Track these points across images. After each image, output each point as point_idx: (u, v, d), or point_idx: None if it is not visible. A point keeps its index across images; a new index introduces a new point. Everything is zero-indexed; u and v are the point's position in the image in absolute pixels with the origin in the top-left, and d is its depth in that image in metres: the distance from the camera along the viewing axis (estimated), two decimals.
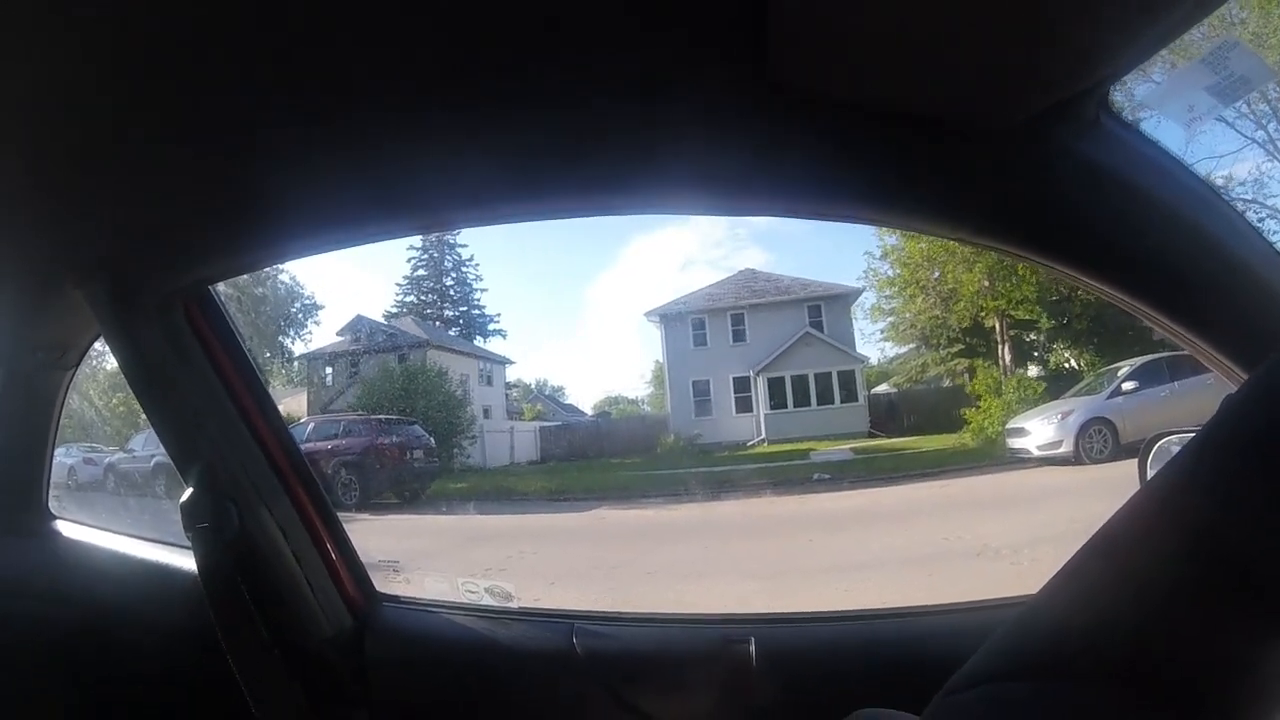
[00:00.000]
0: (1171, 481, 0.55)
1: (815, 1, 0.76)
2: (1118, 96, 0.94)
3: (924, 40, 0.80)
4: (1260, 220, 13.47)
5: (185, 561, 1.72)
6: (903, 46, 0.82)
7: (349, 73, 0.95)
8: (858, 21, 0.79)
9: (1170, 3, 0.73)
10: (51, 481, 2.06)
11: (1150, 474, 1.22)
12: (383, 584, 1.82)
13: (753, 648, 1.44)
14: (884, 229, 14.66)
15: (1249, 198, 13.76)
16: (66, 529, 2.05)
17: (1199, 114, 0.93)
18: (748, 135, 1.03)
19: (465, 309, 30.46)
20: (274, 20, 0.85)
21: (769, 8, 0.77)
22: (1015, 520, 7.50)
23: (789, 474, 13.60)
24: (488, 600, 1.83)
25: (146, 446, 12.41)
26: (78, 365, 1.87)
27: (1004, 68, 0.83)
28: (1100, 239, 0.99)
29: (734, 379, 19.79)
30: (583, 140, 1.09)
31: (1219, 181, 13.20)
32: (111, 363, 1.54)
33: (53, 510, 2.07)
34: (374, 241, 1.46)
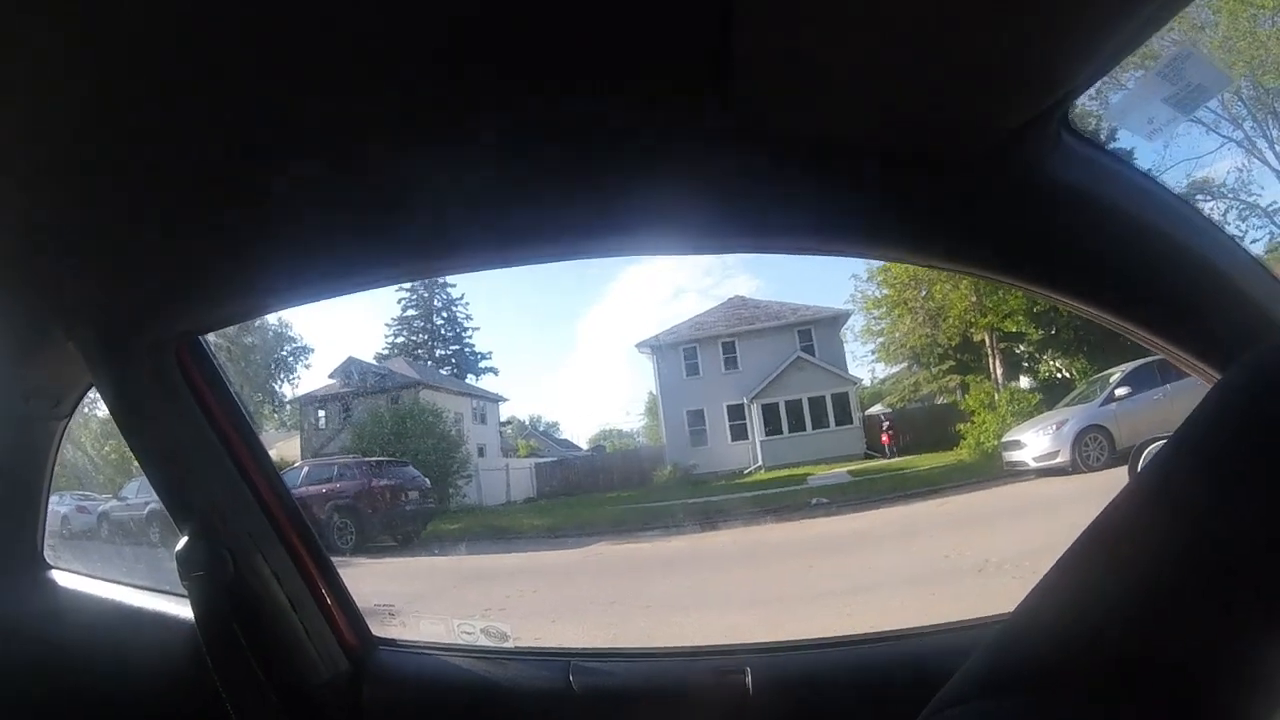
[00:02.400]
0: (1162, 479, 0.55)
1: (774, 40, 0.78)
2: (1084, 109, 0.96)
3: (880, 75, 0.82)
4: (1243, 216, 13.70)
5: (182, 609, 1.71)
6: (859, 78, 0.84)
7: (337, 125, 0.96)
8: (815, 58, 0.80)
9: (1125, 16, 0.74)
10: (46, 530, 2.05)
11: None
12: (379, 628, 1.81)
13: (749, 678, 1.44)
14: None
15: (1230, 196, 13.99)
16: (62, 578, 2.03)
17: (1159, 125, 0.96)
18: (715, 175, 1.04)
19: (457, 347, 30.47)
20: (263, 73, 0.86)
21: (731, 46, 0.79)
22: (1015, 533, 7.48)
23: (786, 500, 13.54)
24: (483, 641, 1.82)
25: (139, 494, 12.32)
26: (71, 414, 1.87)
27: (963, 96, 0.85)
28: (1068, 256, 1.01)
29: (728, 407, 19.74)
30: (563, 184, 1.10)
31: (1199, 181, 13.44)
32: (103, 410, 1.54)
33: (48, 559, 2.05)
34: (363, 289, 1.48)
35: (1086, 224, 0.97)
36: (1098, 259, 0.99)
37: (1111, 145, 0.97)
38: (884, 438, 17.53)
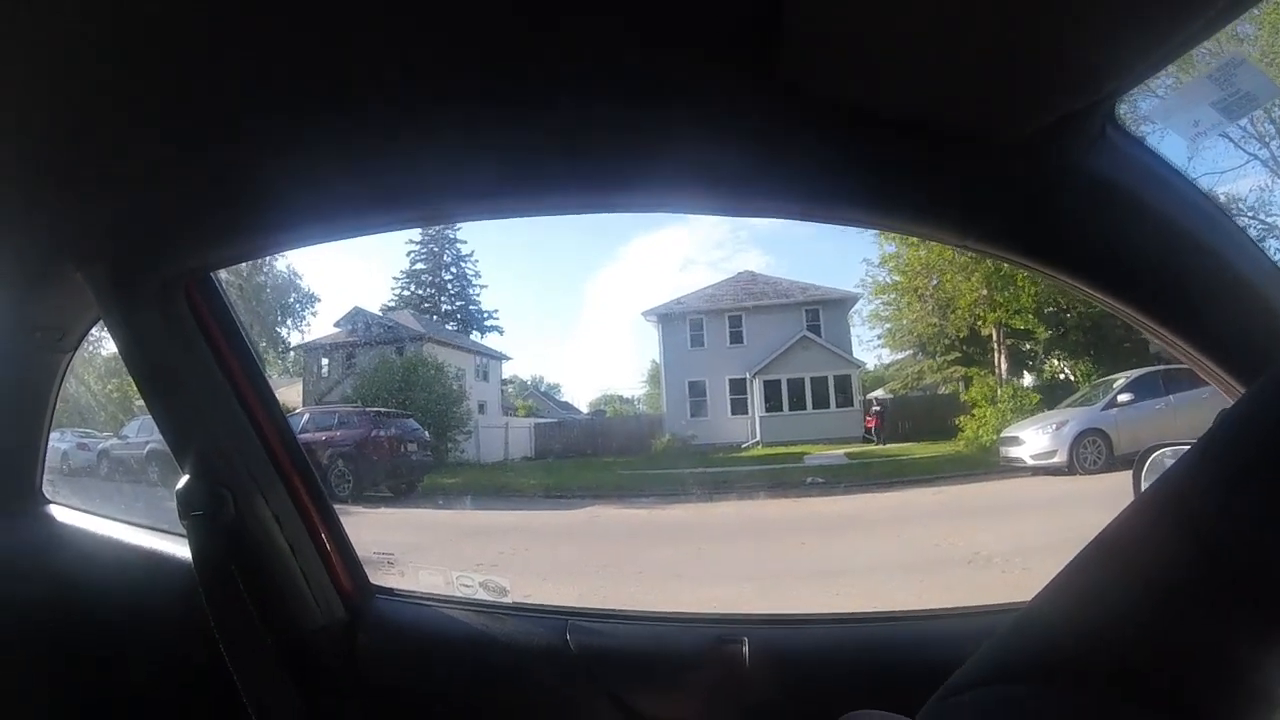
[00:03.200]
0: (1174, 483, 0.55)
1: (828, 6, 0.77)
2: (1124, 110, 0.95)
3: (933, 50, 0.81)
4: (1261, 238, 13.54)
5: (179, 549, 1.72)
6: (912, 55, 0.82)
7: (351, 64, 0.95)
8: (869, 28, 0.79)
9: (1177, 22, 0.73)
10: (46, 465, 2.06)
11: (1145, 485, 1.23)
12: (376, 576, 1.82)
13: (746, 648, 1.45)
14: (884, 236, 14.74)
15: (1250, 215, 13.83)
16: (60, 513, 2.05)
17: (1204, 129, 0.94)
18: (754, 135, 1.03)
19: (463, 304, 30.46)
20: (277, 8, 0.85)
21: (783, 10, 0.77)
22: (1007, 528, 7.50)
23: (783, 477, 13.60)
24: (482, 594, 1.83)
25: (140, 433, 12.42)
26: (76, 349, 1.88)
27: (1012, 81, 0.83)
28: (1104, 251, 1.00)
29: (730, 381, 19.77)
30: (587, 136, 1.09)
31: (1221, 197, 13.27)
32: (107, 348, 1.54)
33: (46, 494, 2.07)
34: (375, 233, 1.46)
35: (1124, 220, 0.96)
36: (1130, 256, 0.99)
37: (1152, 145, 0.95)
38: (868, 420, 17.49)
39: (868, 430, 17.54)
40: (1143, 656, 0.49)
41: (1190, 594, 0.48)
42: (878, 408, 17.81)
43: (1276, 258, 0.97)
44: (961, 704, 0.57)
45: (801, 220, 1.27)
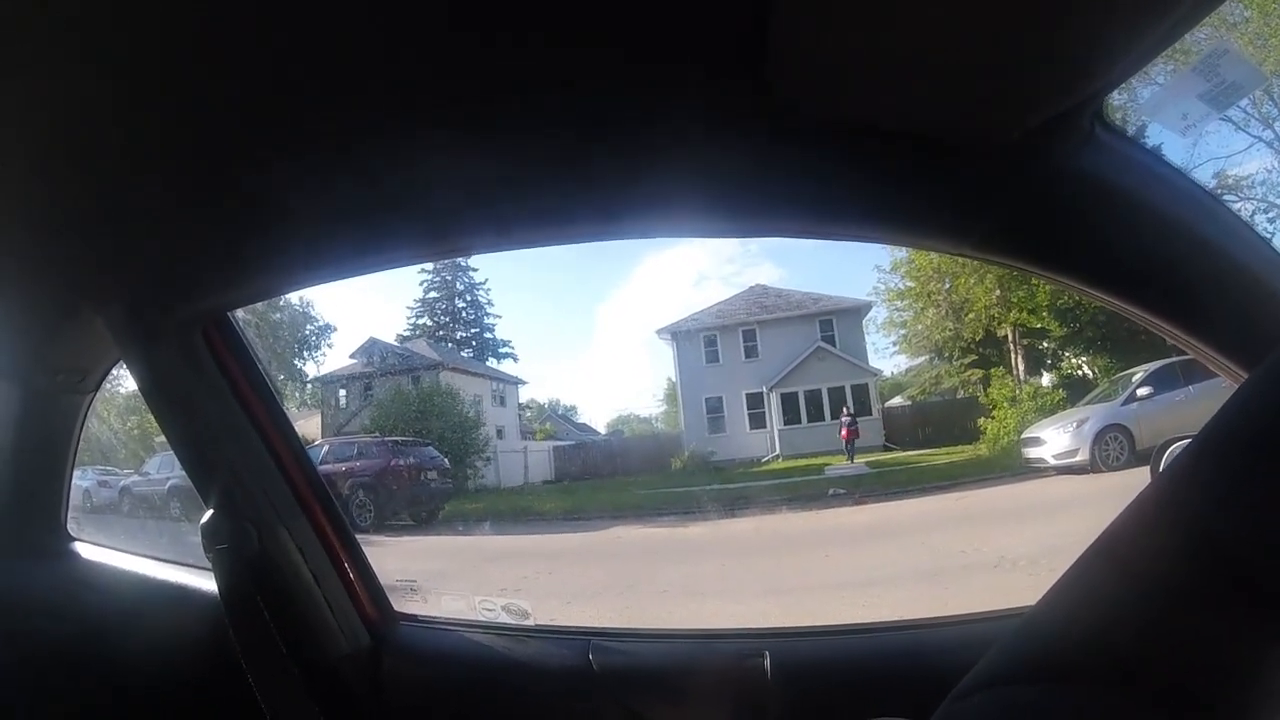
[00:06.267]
0: (1172, 481, 0.55)
1: (812, 21, 0.78)
2: (1117, 103, 0.95)
3: (918, 59, 0.81)
4: (1272, 219, 13.45)
5: (204, 582, 1.74)
6: (897, 65, 0.83)
7: (355, 103, 0.97)
8: (854, 40, 0.80)
9: (1160, 15, 0.74)
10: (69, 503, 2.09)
11: None
12: (400, 603, 1.84)
13: (767, 662, 1.44)
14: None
15: (1259, 198, 13.74)
16: (85, 550, 2.07)
17: (1193, 121, 0.95)
18: (745, 154, 1.03)
19: (477, 330, 30.63)
20: (284, 47, 0.87)
21: (768, 27, 0.79)
22: (1032, 531, 7.40)
23: (804, 490, 13.52)
24: (504, 618, 1.84)
25: (161, 469, 12.53)
26: (97, 389, 1.91)
27: (998, 83, 0.84)
28: (1100, 250, 1.00)
29: (747, 395, 19.72)
30: (586, 163, 1.10)
31: (1228, 181, 13.18)
32: (125, 386, 1.57)
33: (71, 532, 2.10)
34: (384, 269, 1.48)
35: (1118, 217, 0.96)
36: (1128, 253, 0.98)
37: (1143, 140, 0.95)
38: (843, 432, 17.28)
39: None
40: (1145, 655, 0.49)
41: (1191, 591, 0.48)
42: (848, 418, 17.58)
43: (1275, 242, 0.97)
44: (968, 708, 0.57)
45: (797, 237, 1.27)
